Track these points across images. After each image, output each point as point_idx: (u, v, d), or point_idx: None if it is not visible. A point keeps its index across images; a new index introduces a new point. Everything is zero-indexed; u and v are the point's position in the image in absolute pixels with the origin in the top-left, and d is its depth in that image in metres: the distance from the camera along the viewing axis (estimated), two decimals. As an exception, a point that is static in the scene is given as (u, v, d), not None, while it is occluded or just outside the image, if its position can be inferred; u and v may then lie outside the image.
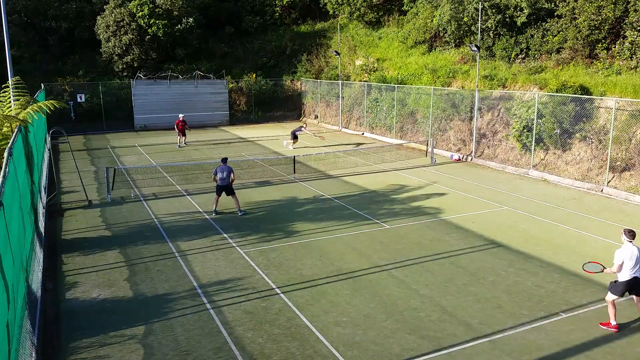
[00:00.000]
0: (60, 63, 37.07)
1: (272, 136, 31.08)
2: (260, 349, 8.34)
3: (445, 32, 29.22)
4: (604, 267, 9.01)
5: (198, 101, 36.06)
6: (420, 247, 12.76)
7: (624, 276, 8.63)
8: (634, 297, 8.93)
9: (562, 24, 22.89)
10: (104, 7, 36.60)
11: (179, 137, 27.42)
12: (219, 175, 15.38)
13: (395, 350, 8.25)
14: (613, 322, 8.78)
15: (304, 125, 27.55)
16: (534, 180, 19.79)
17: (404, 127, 28.35)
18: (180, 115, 27.86)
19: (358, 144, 23.30)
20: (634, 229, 8.88)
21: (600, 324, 8.93)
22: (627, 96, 18.53)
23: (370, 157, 24.17)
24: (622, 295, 8.77)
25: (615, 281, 8.78)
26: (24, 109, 15.10)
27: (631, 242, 8.66)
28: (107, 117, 33.97)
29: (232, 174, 15.49)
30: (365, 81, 32.69)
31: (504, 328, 8.87)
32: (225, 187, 15.46)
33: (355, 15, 37.78)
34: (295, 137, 26.00)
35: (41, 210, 14.25)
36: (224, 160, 15.84)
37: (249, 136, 31.15)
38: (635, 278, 8.59)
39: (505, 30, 25.48)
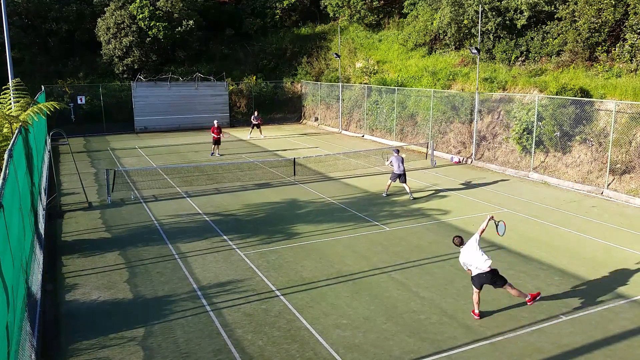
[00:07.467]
0: (61, 65, 37.14)
1: (272, 138, 31.10)
2: (260, 351, 8.33)
3: (446, 35, 29.26)
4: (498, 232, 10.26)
5: (198, 103, 36.10)
6: (420, 250, 12.76)
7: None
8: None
9: (562, 27, 22.91)
10: (105, 9, 36.70)
11: (214, 145, 25.33)
12: (396, 165, 17.29)
13: (395, 353, 8.24)
14: (476, 311, 9.40)
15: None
16: (534, 183, 19.79)
17: (404, 130, 28.37)
18: (215, 122, 25.53)
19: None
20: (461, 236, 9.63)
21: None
22: (627, 99, 18.53)
23: (370, 159, 24.18)
24: (480, 288, 9.33)
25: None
26: (24, 111, 15.10)
27: (459, 246, 9.51)
28: (107, 119, 34.01)
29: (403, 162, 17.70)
30: (365, 83, 32.71)
31: (504, 330, 8.86)
32: (402, 174, 17.38)
33: (355, 17, 37.87)
34: None
35: (41, 212, 14.24)
36: (397, 151, 17.93)
37: (249, 138, 31.15)
38: (478, 275, 9.26)
39: (505, 32, 25.52)
